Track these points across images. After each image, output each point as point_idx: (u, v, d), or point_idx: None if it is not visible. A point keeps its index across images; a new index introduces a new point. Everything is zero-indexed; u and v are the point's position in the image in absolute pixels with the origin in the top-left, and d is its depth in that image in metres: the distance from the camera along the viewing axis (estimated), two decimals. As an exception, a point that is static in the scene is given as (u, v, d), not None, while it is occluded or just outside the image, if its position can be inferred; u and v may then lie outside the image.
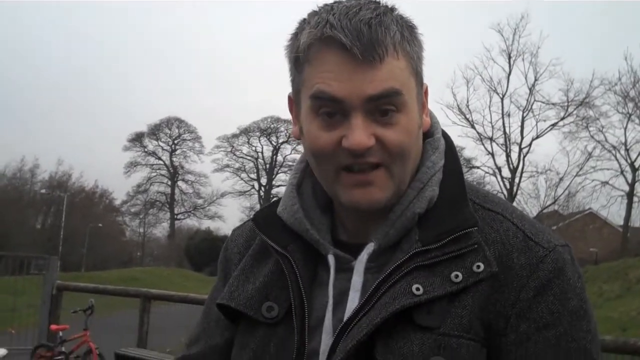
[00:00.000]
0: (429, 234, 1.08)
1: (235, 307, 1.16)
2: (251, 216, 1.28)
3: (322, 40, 1.03)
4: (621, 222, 42.03)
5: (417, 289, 1.03)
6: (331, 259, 1.12)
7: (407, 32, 1.07)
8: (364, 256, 1.10)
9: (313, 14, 1.08)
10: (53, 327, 9.66)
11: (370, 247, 1.11)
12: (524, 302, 1.04)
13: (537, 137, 41.97)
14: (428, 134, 1.18)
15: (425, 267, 1.05)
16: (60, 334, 9.61)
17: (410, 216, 1.10)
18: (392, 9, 1.08)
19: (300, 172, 1.23)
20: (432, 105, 1.18)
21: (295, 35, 1.09)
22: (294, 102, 1.15)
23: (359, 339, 1.02)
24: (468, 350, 1.02)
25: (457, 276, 1.04)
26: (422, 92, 1.12)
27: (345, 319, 1.06)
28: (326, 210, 1.19)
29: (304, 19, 1.09)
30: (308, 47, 1.05)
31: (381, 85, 1.03)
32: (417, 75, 1.09)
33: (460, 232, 1.07)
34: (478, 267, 1.05)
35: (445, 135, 1.20)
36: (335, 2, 1.08)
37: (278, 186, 62.21)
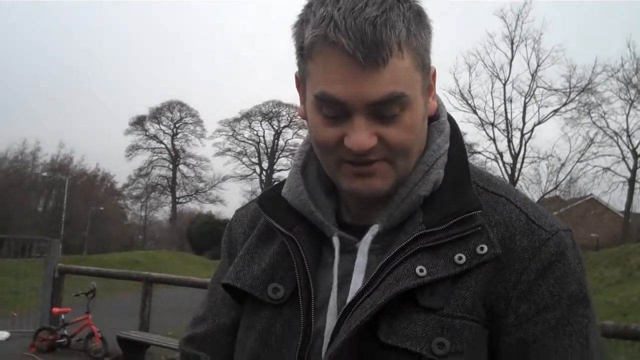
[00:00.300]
0: (434, 217, 1.08)
1: (241, 287, 1.17)
2: (253, 199, 1.28)
3: (326, 41, 1.02)
4: (622, 208, 42.09)
5: (421, 271, 1.04)
6: (336, 241, 1.12)
7: (415, 24, 1.04)
8: (368, 237, 1.11)
9: (320, 1, 1.05)
10: (55, 310, 9.73)
11: (374, 229, 1.11)
12: (525, 284, 1.05)
13: (539, 123, 42.03)
14: (434, 117, 1.17)
15: (429, 249, 1.06)
16: (62, 317, 9.67)
17: (415, 199, 1.10)
18: None
19: (304, 154, 1.23)
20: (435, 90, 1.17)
21: (301, 23, 1.07)
22: (300, 82, 1.13)
23: (362, 320, 1.03)
24: (471, 332, 1.03)
25: (460, 258, 1.05)
26: (429, 77, 1.11)
27: (348, 300, 1.07)
28: (330, 193, 1.18)
29: (311, 4, 1.06)
30: (311, 46, 1.04)
31: (383, 90, 1.02)
32: (424, 67, 1.08)
33: (465, 215, 1.07)
34: (481, 249, 1.05)
35: (449, 119, 1.20)
36: None
37: (279, 170, 62.24)
